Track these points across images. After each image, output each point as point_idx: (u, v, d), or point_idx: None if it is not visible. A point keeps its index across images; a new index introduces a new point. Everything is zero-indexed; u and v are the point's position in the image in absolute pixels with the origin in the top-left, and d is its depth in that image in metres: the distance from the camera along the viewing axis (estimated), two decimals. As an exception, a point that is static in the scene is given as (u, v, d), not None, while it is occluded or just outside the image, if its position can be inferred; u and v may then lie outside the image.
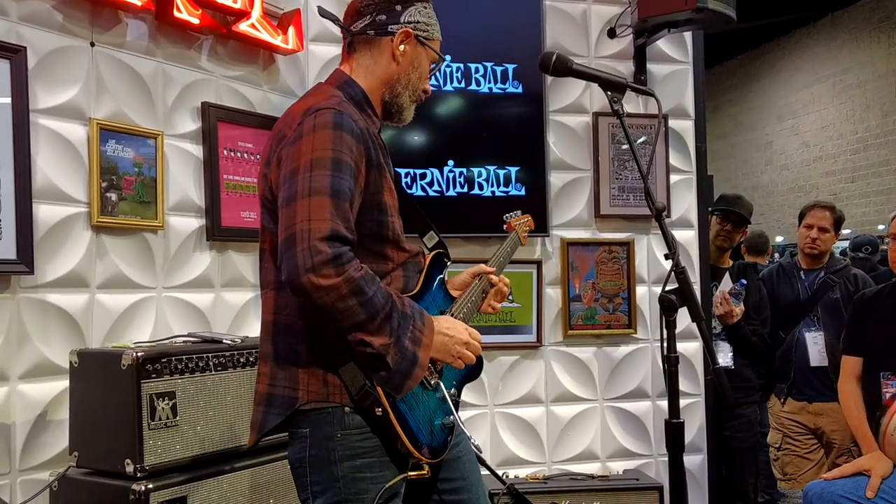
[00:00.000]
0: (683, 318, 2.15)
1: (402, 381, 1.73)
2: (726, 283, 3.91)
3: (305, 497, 1.82)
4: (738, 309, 3.83)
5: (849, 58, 14.22)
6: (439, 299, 2.02)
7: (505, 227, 2.58)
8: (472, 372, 2.08)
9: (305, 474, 1.80)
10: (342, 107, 1.78)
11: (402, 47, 1.92)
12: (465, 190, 3.54)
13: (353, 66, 1.96)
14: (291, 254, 1.61)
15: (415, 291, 1.92)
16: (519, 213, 2.60)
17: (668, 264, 1.99)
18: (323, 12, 2.11)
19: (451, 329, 1.85)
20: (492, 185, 3.56)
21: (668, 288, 1.96)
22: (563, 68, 2.09)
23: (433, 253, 2.06)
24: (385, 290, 1.71)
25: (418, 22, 1.94)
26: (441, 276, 2.06)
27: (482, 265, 2.18)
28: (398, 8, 1.93)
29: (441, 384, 1.89)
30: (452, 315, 1.98)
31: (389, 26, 1.92)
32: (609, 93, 2.06)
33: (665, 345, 1.94)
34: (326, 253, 1.60)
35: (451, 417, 1.90)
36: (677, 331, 1.97)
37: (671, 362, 1.93)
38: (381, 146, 1.91)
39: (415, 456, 1.79)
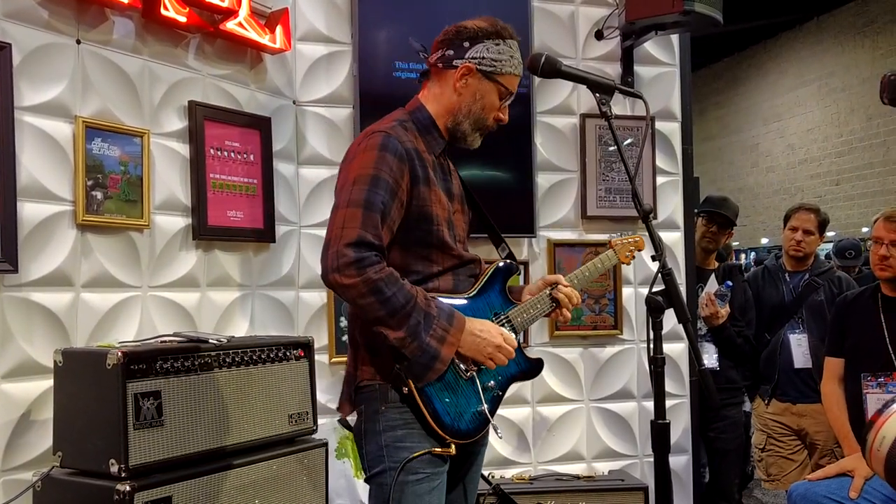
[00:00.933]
0: (669, 320, 2.16)
1: (421, 372, 1.97)
2: (712, 285, 3.94)
3: (364, 467, 2.09)
4: (724, 310, 3.86)
5: (834, 61, 14.33)
6: (497, 304, 2.21)
7: (608, 243, 2.54)
8: (527, 372, 2.26)
9: (362, 445, 2.09)
10: (394, 130, 2.03)
11: (463, 81, 2.12)
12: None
13: (426, 92, 2.20)
14: (325, 255, 1.90)
15: (469, 294, 2.15)
16: (629, 233, 2.57)
17: (654, 266, 2.00)
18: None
19: (483, 332, 2.05)
20: (479, 187, 3.55)
21: (654, 289, 1.97)
22: (552, 70, 2.12)
23: (498, 261, 2.26)
24: (408, 292, 1.93)
25: (483, 58, 2.11)
26: (502, 282, 2.24)
27: (558, 276, 2.32)
28: (466, 45, 2.12)
29: (476, 377, 2.08)
30: (508, 318, 2.19)
31: (454, 61, 2.12)
32: (597, 95, 2.08)
33: (651, 346, 1.95)
34: (350, 256, 1.86)
35: (483, 407, 2.07)
36: (663, 332, 1.98)
37: (657, 363, 1.94)
38: (441, 165, 2.18)
39: (437, 432, 2.00)
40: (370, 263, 1.87)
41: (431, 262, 2.09)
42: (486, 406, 2.08)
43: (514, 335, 2.15)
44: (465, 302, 2.14)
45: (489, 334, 2.05)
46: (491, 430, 2.16)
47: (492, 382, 2.13)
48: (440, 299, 2.05)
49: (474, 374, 2.08)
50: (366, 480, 2.09)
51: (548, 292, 2.26)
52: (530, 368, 2.26)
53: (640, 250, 2.55)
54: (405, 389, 1.98)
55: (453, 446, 2.03)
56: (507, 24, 2.18)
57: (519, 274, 2.31)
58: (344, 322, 3.35)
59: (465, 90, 2.13)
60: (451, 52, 2.13)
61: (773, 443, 3.99)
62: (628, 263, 2.56)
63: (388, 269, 1.91)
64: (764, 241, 14.92)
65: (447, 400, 2.03)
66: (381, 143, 1.98)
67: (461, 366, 2.05)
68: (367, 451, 2.06)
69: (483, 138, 2.23)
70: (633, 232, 2.63)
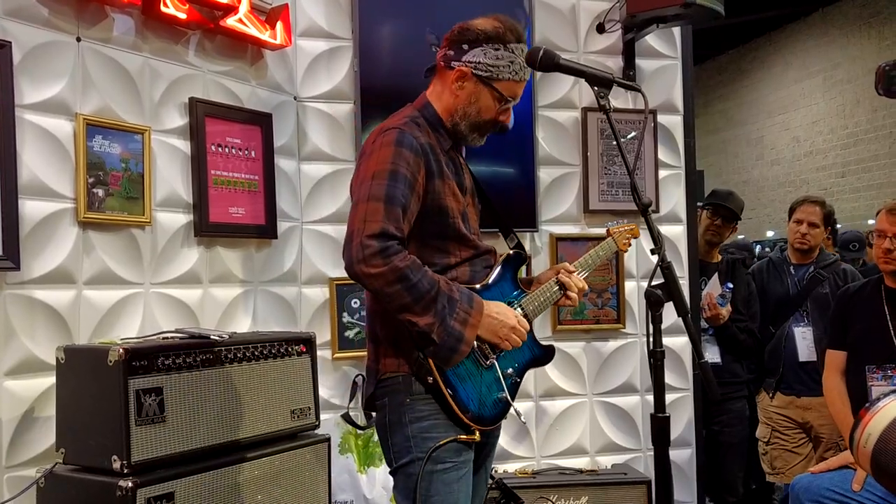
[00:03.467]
0: (672, 313, 2.16)
1: (448, 356, 2.02)
2: (714, 286, 3.92)
3: (389, 459, 2.13)
4: (725, 311, 3.86)
5: (839, 53, 14.25)
6: (509, 293, 2.26)
7: (606, 232, 2.63)
8: (540, 359, 2.34)
9: (387, 438, 2.12)
10: (407, 126, 2.08)
11: (458, 83, 2.15)
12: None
13: (432, 89, 2.24)
14: (348, 248, 1.94)
15: (484, 283, 2.20)
16: (624, 221, 2.66)
17: (655, 259, 2.00)
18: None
19: (500, 314, 2.10)
20: (481, 181, 3.54)
21: (654, 283, 1.97)
22: (550, 63, 2.10)
23: (508, 252, 2.32)
24: (431, 278, 1.99)
25: (479, 62, 2.13)
26: (514, 271, 2.31)
27: (565, 263, 2.39)
28: (465, 47, 2.14)
29: (496, 364, 2.15)
30: (521, 307, 2.24)
31: (452, 62, 2.16)
32: (596, 88, 2.07)
33: (651, 339, 1.95)
34: (374, 246, 1.90)
35: (504, 394, 2.16)
36: (666, 325, 1.98)
37: (657, 357, 1.94)
38: (453, 160, 2.21)
39: (462, 420, 2.06)
40: (394, 252, 1.92)
41: (449, 253, 2.15)
42: (507, 392, 2.15)
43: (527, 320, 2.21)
44: (480, 292, 2.19)
45: (504, 316, 2.10)
46: (514, 416, 2.23)
47: (510, 370, 2.20)
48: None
49: (494, 362, 2.14)
50: (392, 472, 2.13)
51: (555, 279, 2.32)
52: (543, 355, 2.34)
53: (635, 237, 2.63)
54: (429, 379, 2.03)
55: (478, 433, 2.09)
56: (515, 25, 2.17)
57: (526, 265, 2.34)
58: (347, 318, 3.37)
59: (461, 93, 2.16)
60: (451, 53, 2.16)
61: (778, 436, 3.98)
62: (625, 251, 2.63)
63: (410, 256, 1.96)
64: (769, 233, 14.86)
65: (470, 388, 2.09)
66: (397, 139, 2.03)
67: (481, 355, 2.11)
68: (393, 442, 2.10)
69: (485, 138, 2.26)
70: (628, 221, 2.67)
